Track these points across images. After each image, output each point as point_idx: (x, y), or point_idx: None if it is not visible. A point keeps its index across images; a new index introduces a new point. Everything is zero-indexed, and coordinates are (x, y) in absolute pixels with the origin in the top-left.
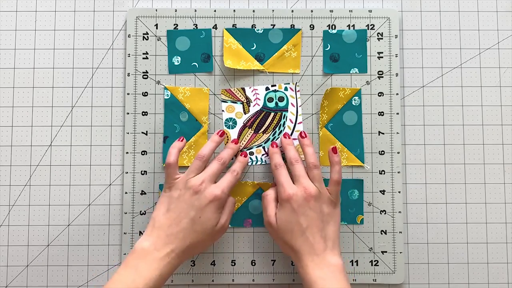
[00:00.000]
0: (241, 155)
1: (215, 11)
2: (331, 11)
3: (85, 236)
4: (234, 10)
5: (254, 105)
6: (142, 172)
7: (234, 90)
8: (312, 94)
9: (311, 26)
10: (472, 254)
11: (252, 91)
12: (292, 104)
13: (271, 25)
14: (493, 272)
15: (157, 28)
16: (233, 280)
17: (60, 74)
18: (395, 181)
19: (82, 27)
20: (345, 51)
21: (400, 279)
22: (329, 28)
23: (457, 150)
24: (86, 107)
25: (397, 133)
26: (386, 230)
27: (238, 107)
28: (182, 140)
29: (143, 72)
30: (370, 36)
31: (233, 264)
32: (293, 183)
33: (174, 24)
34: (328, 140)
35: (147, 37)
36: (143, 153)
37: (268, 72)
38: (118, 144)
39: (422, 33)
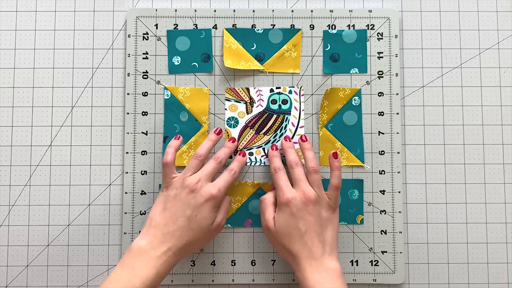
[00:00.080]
0: (239, 154)
1: (215, 11)
2: (331, 11)
3: (85, 236)
4: (234, 10)
5: (257, 106)
6: (142, 172)
7: (238, 89)
8: (312, 94)
9: (311, 26)
10: (472, 254)
11: (256, 91)
12: (295, 107)
13: (271, 25)
14: (493, 272)
15: (157, 28)
16: (233, 280)
17: (60, 74)
18: (395, 181)
19: (82, 27)
20: (345, 51)
21: (400, 279)
22: (329, 28)
23: (457, 150)
24: (86, 107)
25: (397, 133)
26: (386, 230)
27: (241, 107)
28: (178, 138)
29: (143, 72)
30: (370, 36)
31: (233, 264)
32: (292, 187)
33: (174, 24)
34: (328, 140)
35: (147, 37)
36: (143, 153)
37: (268, 72)
38: (118, 144)
39: (422, 33)
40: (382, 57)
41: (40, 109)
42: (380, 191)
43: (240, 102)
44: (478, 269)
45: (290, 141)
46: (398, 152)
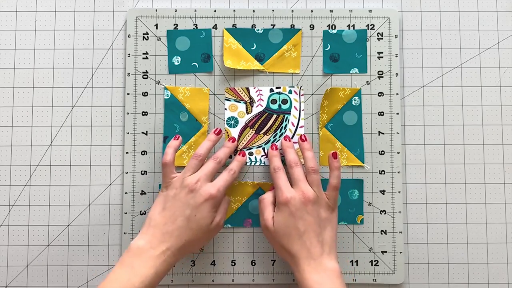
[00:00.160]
0: (239, 154)
1: (215, 11)
2: (331, 11)
3: (85, 236)
4: (234, 10)
5: (257, 106)
6: (142, 172)
7: (238, 89)
8: (312, 94)
9: (311, 26)
10: (472, 254)
11: (256, 91)
12: (295, 107)
13: (271, 25)
14: (493, 272)
15: (157, 28)
16: (233, 280)
17: (60, 74)
18: (395, 181)
19: (82, 27)
20: (345, 51)
21: (400, 279)
22: (329, 28)
23: (457, 150)
24: (86, 107)
25: (397, 133)
26: (386, 230)
27: (241, 107)
28: (177, 139)
29: (143, 72)
30: (370, 36)
31: (233, 264)
32: (292, 186)
33: (174, 24)
34: (328, 140)
35: (147, 37)
36: (143, 153)
37: (268, 72)
38: (118, 144)
39: (422, 33)
40: (382, 57)
41: (40, 109)
42: (380, 191)
43: (240, 102)
44: (478, 269)
45: (290, 141)
46: (398, 152)
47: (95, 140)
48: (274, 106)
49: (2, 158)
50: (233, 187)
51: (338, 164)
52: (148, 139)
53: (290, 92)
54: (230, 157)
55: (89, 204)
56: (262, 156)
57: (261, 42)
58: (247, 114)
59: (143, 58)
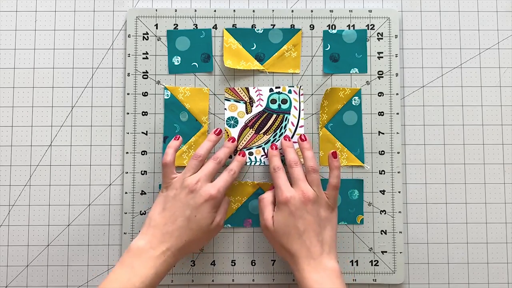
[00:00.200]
0: (239, 154)
1: (215, 11)
2: (331, 11)
3: (85, 236)
4: (234, 10)
5: (256, 106)
6: (142, 172)
7: (238, 89)
8: (312, 94)
9: (311, 26)
10: (472, 254)
11: (256, 91)
12: (295, 107)
13: (271, 25)
14: (493, 272)
15: (157, 28)
16: (233, 280)
17: (60, 74)
18: (395, 181)
19: (82, 27)
20: (345, 51)
21: (400, 279)
22: (329, 28)
23: (457, 150)
24: (86, 107)
25: (397, 133)
26: (386, 230)
27: (241, 107)
28: (178, 139)
29: (143, 72)
30: (370, 36)
31: (233, 264)
32: (292, 186)
33: (174, 24)
34: (328, 140)
35: (147, 37)
36: (143, 153)
37: (268, 72)
38: (118, 144)
39: (422, 33)
40: (382, 57)
41: (40, 109)
42: (380, 191)
43: (239, 102)
44: (478, 269)
45: (289, 140)
46: (398, 152)
47: (95, 140)
48: (274, 106)
49: (2, 158)
50: (233, 187)
51: (337, 164)
52: (148, 139)
53: (289, 92)
54: (230, 157)
55: (89, 204)
56: (262, 156)
57: (261, 42)
58: (247, 114)
59: (143, 58)
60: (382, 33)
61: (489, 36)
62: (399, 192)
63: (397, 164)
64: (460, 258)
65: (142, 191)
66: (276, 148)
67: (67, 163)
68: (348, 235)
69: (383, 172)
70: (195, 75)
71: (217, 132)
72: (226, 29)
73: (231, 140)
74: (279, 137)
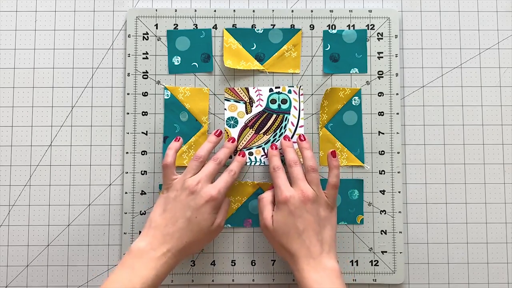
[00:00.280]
0: (239, 154)
1: (215, 11)
2: (331, 11)
3: (85, 236)
4: (234, 10)
5: (256, 106)
6: (142, 172)
7: (238, 89)
8: (312, 94)
9: (311, 26)
10: (472, 254)
11: (256, 91)
12: (294, 107)
13: (271, 25)
14: (493, 272)
15: (157, 28)
16: (233, 280)
17: (60, 74)
18: (395, 181)
19: (82, 27)
20: (345, 51)
21: (400, 279)
22: (329, 28)
23: (457, 150)
24: (86, 107)
25: (397, 133)
26: (386, 230)
27: (241, 107)
28: (178, 140)
29: (143, 72)
30: (370, 36)
31: (233, 264)
32: (291, 185)
33: (174, 24)
34: (328, 140)
35: (147, 37)
36: (143, 153)
37: (268, 72)
38: (118, 144)
39: (422, 33)
40: (382, 57)
41: (40, 109)
42: (380, 191)
43: (239, 102)
44: (478, 269)
45: (289, 140)
46: (398, 152)
47: (95, 140)
48: (274, 106)
49: (2, 158)
50: (233, 187)
51: (337, 163)
52: (148, 139)
53: (289, 92)
54: (230, 157)
55: (89, 204)
56: (262, 156)
57: (261, 42)
58: (247, 114)
59: (143, 58)
60: (382, 33)
61: (489, 36)
62: (399, 192)
63: (397, 164)
64: (460, 258)
65: (142, 191)
66: (276, 148)
67: (67, 163)
68: (348, 235)
69: (383, 172)
70: (195, 75)
71: (217, 133)
72: (226, 29)
73: (231, 141)
74: (279, 137)
